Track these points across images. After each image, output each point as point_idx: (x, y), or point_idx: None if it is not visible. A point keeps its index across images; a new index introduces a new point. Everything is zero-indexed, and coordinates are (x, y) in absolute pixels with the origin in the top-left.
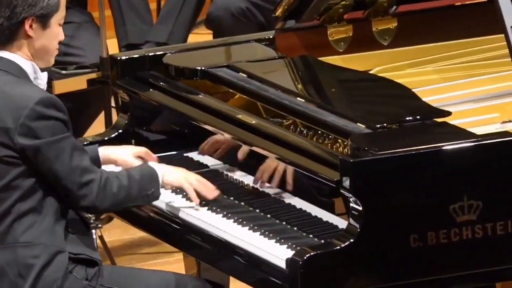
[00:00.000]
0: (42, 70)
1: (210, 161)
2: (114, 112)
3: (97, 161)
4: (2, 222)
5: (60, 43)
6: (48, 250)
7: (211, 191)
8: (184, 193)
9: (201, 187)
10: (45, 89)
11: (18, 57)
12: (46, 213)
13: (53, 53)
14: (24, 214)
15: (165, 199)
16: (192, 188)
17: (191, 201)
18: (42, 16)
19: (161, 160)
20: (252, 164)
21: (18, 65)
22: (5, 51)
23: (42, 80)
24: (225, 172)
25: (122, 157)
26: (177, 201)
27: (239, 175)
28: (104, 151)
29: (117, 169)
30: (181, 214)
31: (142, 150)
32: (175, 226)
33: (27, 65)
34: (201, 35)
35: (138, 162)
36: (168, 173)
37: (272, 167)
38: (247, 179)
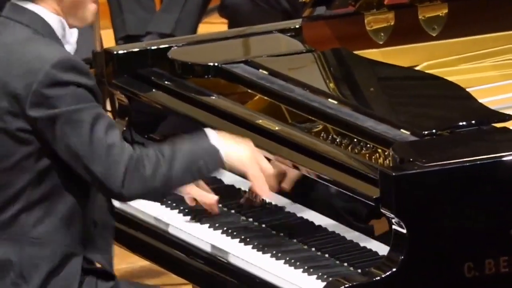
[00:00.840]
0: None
1: (224, 175)
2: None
3: None
4: (7, 210)
5: None
6: (60, 251)
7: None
8: (186, 211)
9: (271, 171)
10: (74, 49)
11: (44, 10)
12: (61, 205)
13: (89, 7)
14: (34, 203)
15: (171, 221)
16: (259, 178)
17: (197, 220)
18: None
19: None
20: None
21: (43, 19)
22: (31, 3)
23: (70, 38)
24: (242, 188)
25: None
26: (183, 221)
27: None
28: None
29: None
30: (190, 239)
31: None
32: (183, 254)
33: (54, 20)
34: (213, 25)
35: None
36: (230, 154)
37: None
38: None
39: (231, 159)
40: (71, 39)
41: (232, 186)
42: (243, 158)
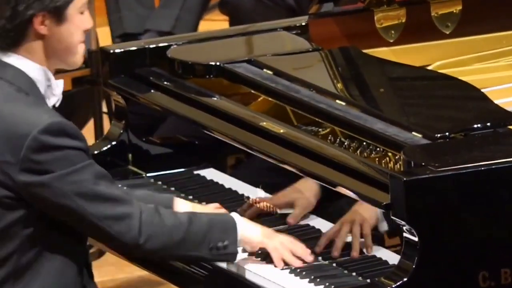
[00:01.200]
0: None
1: (228, 181)
2: (106, 119)
3: None
4: None
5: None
6: None
7: (306, 255)
8: None
9: (285, 253)
10: (59, 100)
11: (27, 61)
12: (49, 270)
13: (78, 50)
14: (22, 268)
15: None
16: (277, 250)
17: None
18: (55, 9)
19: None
20: (279, 182)
21: (26, 75)
22: (13, 54)
23: (56, 89)
24: (246, 194)
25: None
26: None
27: (264, 197)
28: (180, 207)
29: None
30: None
31: (215, 206)
32: (185, 264)
33: (38, 72)
34: (215, 22)
35: None
36: (249, 228)
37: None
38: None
39: (247, 233)
40: (56, 91)
41: (235, 192)
42: (259, 233)
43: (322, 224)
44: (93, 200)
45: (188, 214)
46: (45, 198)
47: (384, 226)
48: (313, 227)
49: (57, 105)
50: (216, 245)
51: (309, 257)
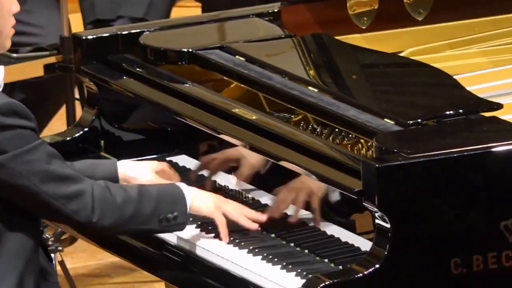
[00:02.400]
0: None
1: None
2: (78, 106)
3: (115, 180)
4: None
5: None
6: None
7: (252, 223)
8: None
9: (242, 219)
10: (1, 86)
11: None
12: (4, 252)
13: (8, 34)
14: None
15: None
16: (224, 224)
17: None
18: None
19: None
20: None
21: None
22: None
23: None
24: (218, 181)
25: (143, 175)
26: None
27: (235, 184)
28: (124, 170)
29: None
30: (166, 236)
31: (162, 164)
32: (161, 251)
33: None
34: (187, 9)
35: (163, 181)
36: (198, 198)
37: (290, 199)
38: (244, 187)
39: (197, 202)
40: None
41: (189, 170)
42: (209, 204)
43: (308, 218)
44: (47, 179)
45: (137, 187)
46: (0, 179)
47: (335, 197)
48: (285, 213)
49: None
50: (166, 216)
51: (262, 217)
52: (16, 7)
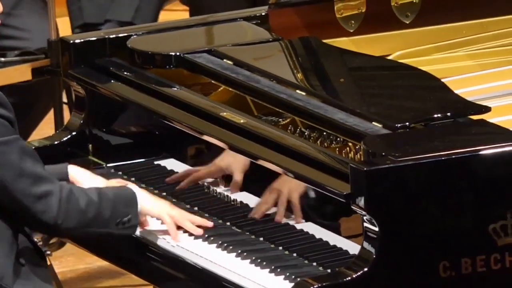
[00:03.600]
0: None
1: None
2: (66, 110)
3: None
4: None
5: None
6: None
7: (197, 229)
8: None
9: (185, 222)
10: None
11: None
12: None
13: None
14: None
15: None
16: (173, 223)
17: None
18: None
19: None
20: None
21: None
22: None
23: None
24: (206, 184)
25: (91, 183)
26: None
27: (223, 189)
28: (73, 171)
29: None
30: (153, 239)
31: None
32: (146, 253)
33: None
34: (175, 12)
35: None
36: (147, 200)
37: (272, 200)
38: (233, 194)
39: (146, 205)
40: None
41: (164, 168)
42: (157, 206)
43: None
44: (18, 175)
45: (96, 190)
46: None
47: (322, 199)
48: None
49: None
50: (122, 219)
51: (209, 223)
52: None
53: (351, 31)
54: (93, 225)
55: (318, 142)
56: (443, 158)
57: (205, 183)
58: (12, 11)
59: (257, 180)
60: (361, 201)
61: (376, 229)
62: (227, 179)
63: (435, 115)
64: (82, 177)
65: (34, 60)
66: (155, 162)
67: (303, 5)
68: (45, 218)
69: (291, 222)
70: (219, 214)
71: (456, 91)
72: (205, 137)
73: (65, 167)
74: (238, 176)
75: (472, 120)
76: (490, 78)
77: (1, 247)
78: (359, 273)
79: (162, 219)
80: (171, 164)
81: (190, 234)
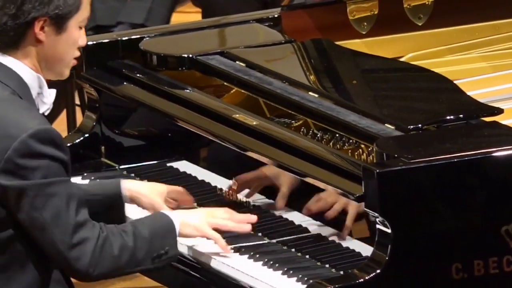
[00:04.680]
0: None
1: (200, 173)
2: (78, 112)
3: (118, 199)
4: None
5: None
6: None
7: (243, 226)
8: None
9: (230, 225)
10: (49, 110)
11: (22, 65)
12: (20, 277)
13: (69, 63)
14: None
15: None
16: (218, 237)
17: None
18: (57, 17)
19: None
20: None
21: (19, 76)
22: (8, 56)
23: (47, 98)
24: (219, 186)
25: (150, 197)
26: None
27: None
28: (128, 186)
29: (140, 211)
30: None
31: (176, 189)
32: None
33: (31, 78)
34: (187, 14)
35: (166, 208)
36: (186, 223)
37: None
38: (249, 196)
39: (185, 230)
40: (48, 99)
41: (208, 184)
42: (197, 225)
43: (294, 216)
44: (59, 219)
45: (132, 230)
46: (17, 203)
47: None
48: (286, 219)
49: (46, 113)
50: (158, 253)
51: (252, 218)
52: (82, 41)
53: (364, 33)
54: (127, 267)
55: (331, 144)
56: (455, 160)
57: (218, 185)
58: None
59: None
60: (373, 203)
61: (389, 231)
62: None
63: (448, 117)
64: (140, 193)
65: None
66: (168, 164)
67: (315, 7)
68: (78, 265)
69: (304, 224)
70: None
71: (468, 93)
72: (218, 139)
73: (118, 186)
74: (285, 190)
75: (485, 122)
76: (502, 80)
77: (29, 281)
78: (371, 275)
79: (207, 237)
80: (184, 166)
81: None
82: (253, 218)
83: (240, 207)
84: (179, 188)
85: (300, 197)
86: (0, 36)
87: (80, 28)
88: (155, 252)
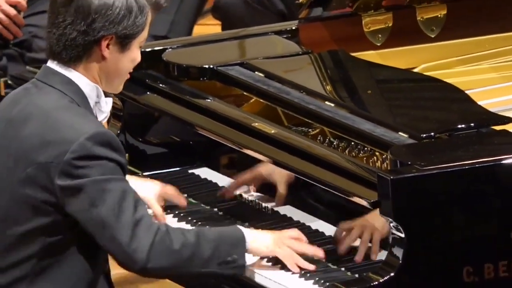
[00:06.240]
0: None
1: (221, 180)
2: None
3: None
4: (8, 274)
5: (36, 36)
6: None
7: (318, 250)
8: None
9: (302, 247)
10: (106, 117)
11: (82, 77)
12: (62, 279)
13: (125, 78)
14: (36, 274)
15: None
16: (288, 255)
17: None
18: (124, 36)
19: (162, 179)
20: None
21: (77, 86)
22: (69, 68)
23: (104, 106)
24: (238, 193)
25: (143, 195)
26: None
27: (255, 196)
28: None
29: None
30: None
31: (170, 189)
32: None
33: (90, 88)
34: (208, 27)
35: (158, 207)
36: (257, 239)
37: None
38: (262, 199)
39: (255, 244)
40: (105, 108)
41: (210, 182)
42: (268, 244)
43: (310, 221)
44: (116, 212)
45: (196, 231)
46: (76, 203)
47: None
48: (304, 224)
49: (104, 121)
50: (225, 259)
51: (321, 253)
52: (139, 58)
53: (378, 44)
54: (189, 265)
55: (346, 151)
56: (467, 167)
57: (242, 194)
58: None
59: (288, 189)
60: (387, 209)
61: (402, 235)
62: (261, 188)
63: (459, 126)
64: (132, 185)
65: None
66: (189, 171)
67: (332, 19)
68: (136, 258)
69: (320, 229)
70: (249, 219)
71: (479, 103)
72: (237, 147)
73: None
74: (282, 189)
75: (495, 131)
76: None
77: (72, 284)
78: (385, 278)
79: (277, 255)
80: (205, 172)
81: None
82: (321, 254)
83: (260, 213)
84: (172, 188)
85: (317, 201)
86: (67, 51)
87: (140, 47)
88: (221, 258)
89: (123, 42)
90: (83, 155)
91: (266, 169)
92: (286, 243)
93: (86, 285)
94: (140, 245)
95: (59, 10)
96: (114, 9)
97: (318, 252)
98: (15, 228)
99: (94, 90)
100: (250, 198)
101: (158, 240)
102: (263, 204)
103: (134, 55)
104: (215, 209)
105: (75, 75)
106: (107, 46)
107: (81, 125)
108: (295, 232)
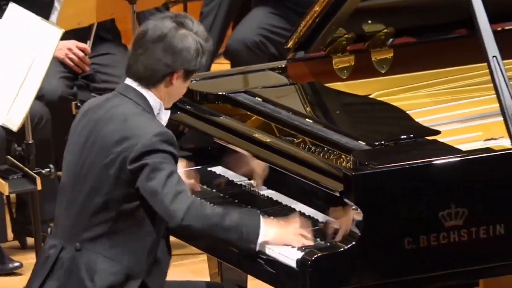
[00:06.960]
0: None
1: (230, 174)
2: None
3: None
4: (93, 231)
5: (98, 71)
6: (125, 271)
7: (311, 239)
8: None
9: (304, 241)
10: (165, 123)
11: (152, 95)
12: (135, 238)
13: (177, 99)
14: (115, 232)
15: None
16: (300, 241)
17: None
18: (191, 71)
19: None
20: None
21: (147, 101)
22: (146, 90)
23: (164, 116)
24: (244, 184)
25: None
26: None
27: (255, 186)
28: None
29: None
30: None
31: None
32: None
33: (155, 102)
34: (221, 65)
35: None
36: (268, 232)
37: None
38: (267, 191)
39: (270, 232)
40: (164, 118)
41: (236, 182)
42: (281, 234)
43: (307, 210)
44: (163, 184)
45: (223, 208)
46: (138, 178)
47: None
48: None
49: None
50: (242, 235)
51: (311, 241)
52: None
53: (344, 77)
54: (216, 229)
55: (321, 155)
56: (407, 167)
57: (243, 183)
58: (112, 63)
59: (277, 180)
60: (350, 196)
61: (361, 215)
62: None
63: (402, 136)
64: None
65: None
66: (208, 169)
67: (310, 59)
68: (175, 215)
69: (303, 210)
70: (248, 203)
71: (417, 120)
72: (242, 151)
73: None
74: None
75: (428, 140)
76: (441, 111)
77: (142, 243)
78: (349, 246)
79: (289, 243)
80: (219, 169)
81: None
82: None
83: (260, 200)
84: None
85: (298, 190)
86: (148, 78)
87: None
88: (240, 232)
89: (188, 75)
90: (149, 148)
91: (262, 167)
92: (296, 233)
93: (150, 244)
94: (179, 207)
95: (147, 46)
96: (191, 51)
97: (310, 240)
98: (99, 198)
99: (158, 104)
100: (252, 188)
101: (193, 206)
102: (261, 192)
103: (188, 84)
104: (224, 195)
105: (147, 93)
106: (177, 77)
107: (150, 126)
108: (300, 220)
